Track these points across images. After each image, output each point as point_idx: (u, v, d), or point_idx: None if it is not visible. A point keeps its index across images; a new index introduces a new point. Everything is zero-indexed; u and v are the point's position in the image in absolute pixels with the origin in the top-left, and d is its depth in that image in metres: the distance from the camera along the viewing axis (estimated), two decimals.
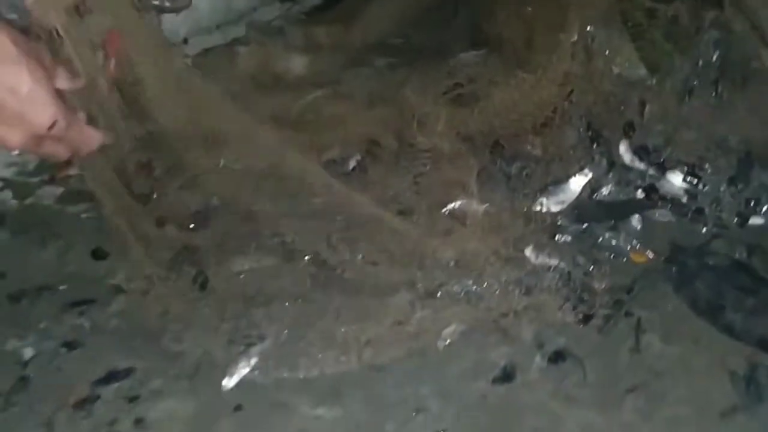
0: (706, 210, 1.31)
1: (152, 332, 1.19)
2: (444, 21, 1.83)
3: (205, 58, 1.80)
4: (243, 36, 1.89)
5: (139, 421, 1.06)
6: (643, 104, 1.43)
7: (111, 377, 1.12)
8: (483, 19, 1.76)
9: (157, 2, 1.66)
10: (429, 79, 1.61)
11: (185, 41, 1.82)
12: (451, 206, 1.34)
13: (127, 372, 1.13)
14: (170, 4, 1.69)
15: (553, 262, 1.22)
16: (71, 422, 1.06)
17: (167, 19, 1.73)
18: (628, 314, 1.18)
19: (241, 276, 1.26)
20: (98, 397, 1.10)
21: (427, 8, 1.87)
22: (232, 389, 1.10)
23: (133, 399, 1.09)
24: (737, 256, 1.26)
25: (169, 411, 1.07)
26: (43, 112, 0.87)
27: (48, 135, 0.89)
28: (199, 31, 1.85)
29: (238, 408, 1.07)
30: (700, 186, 1.32)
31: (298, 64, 1.74)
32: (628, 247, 1.28)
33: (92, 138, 0.97)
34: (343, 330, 1.15)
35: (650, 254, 1.27)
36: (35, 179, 1.55)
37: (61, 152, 0.94)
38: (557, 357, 1.12)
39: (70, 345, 1.18)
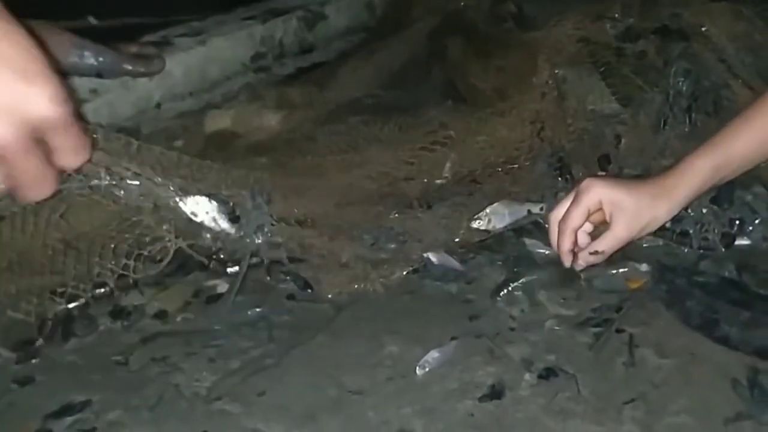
0: (691, 232, 1.27)
1: (111, 365, 1.11)
2: (417, 80, 1.85)
3: (177, 120, 1.80)
4: (215, 101, 1.90)
5: None
6: (618, 137, 1.43)
7: (65, 411, 1.03)
8: (455, 75, 1.78)
9: (130, 67, 1.67)
10: (403, 129, 1.61)
11: (158, 106, 1.82)
12: None
13: (83, 405, 1.04)
14: (144, 69, 1.70)
15: None
16: None
17: (141, 83, 1.74)
18: (618, 331, 1.12)
19: None
20: (50, 431, 1.01)
21: (400, 69, 1.89)
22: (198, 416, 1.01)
23: None
24: (727, 274, 1.22)
25: None
26: (43, 87, 0.63)
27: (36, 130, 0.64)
28: (172, 97, 1.85)
29: None
30: (682, 210, 1.29)
31: (271, 120, 1.73)
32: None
33: (84, 148, 0.70)
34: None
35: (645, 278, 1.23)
36: None
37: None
38: (548, 373, 1.05)
39: (22, 381, 1.10)
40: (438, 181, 1.38)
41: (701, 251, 1.27)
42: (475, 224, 1.31)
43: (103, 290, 1.19)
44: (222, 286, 1.26)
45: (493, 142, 1.46)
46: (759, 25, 1.50)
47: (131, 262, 1.16)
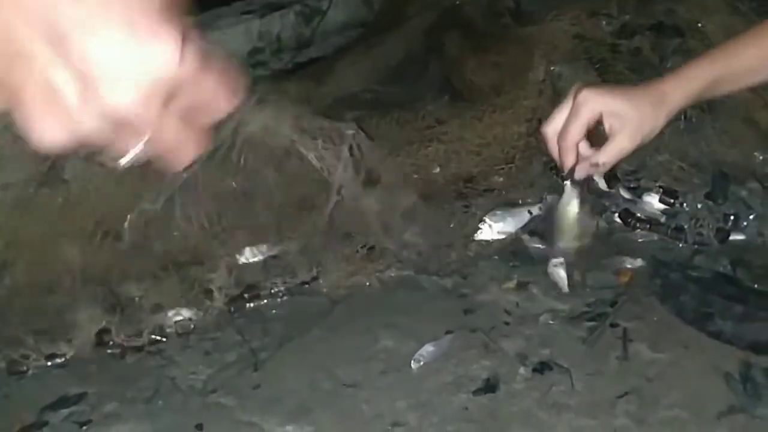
0: (686, 227, 1.28)
1: (107, 358, 1.11)
2: (414, 75, 1.85)
3: None
4: None
5: None
6: None
7: (61, 403, 1.04)
8: (452, 71, 1.78)
9: None
10: (400, 125, 1.61)
11: None
12: None
13: (79, 397, 1.05)
14: None
15: None
16: None
17: None
18: (613, 325, 1.13)
19: None
20: (46, 423, 1.01)
21: (397, 64, 1.89)
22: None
23: (84, 423, 1.00)
24: (721, 269, 1.23)
25: None
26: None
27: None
28: None
29: (199, 428, 0.99)
30: (677, 205, 1.30)
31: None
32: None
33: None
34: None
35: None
36: None
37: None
38: (542, 367, 1.06)
39: (17, 373, 1.10)
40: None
41: (696, 246, 1.27)
42: (477, 236, 1.31)
43: None
44: (218, 280, 1.26)
45: (489, 140, 1.46)
46: (755, 20, 1.49)
47: None
